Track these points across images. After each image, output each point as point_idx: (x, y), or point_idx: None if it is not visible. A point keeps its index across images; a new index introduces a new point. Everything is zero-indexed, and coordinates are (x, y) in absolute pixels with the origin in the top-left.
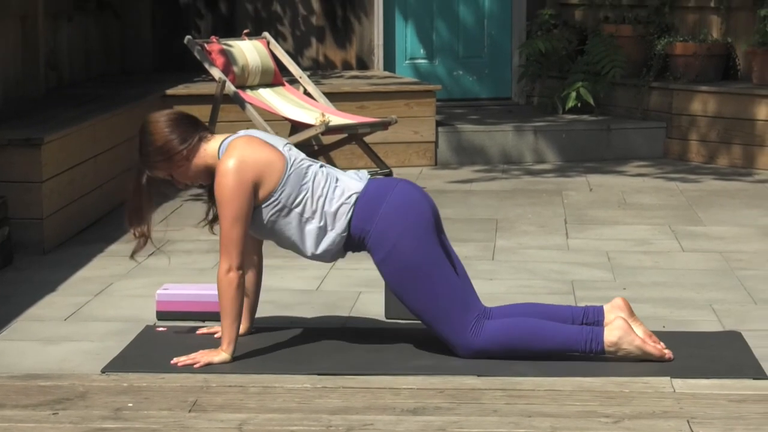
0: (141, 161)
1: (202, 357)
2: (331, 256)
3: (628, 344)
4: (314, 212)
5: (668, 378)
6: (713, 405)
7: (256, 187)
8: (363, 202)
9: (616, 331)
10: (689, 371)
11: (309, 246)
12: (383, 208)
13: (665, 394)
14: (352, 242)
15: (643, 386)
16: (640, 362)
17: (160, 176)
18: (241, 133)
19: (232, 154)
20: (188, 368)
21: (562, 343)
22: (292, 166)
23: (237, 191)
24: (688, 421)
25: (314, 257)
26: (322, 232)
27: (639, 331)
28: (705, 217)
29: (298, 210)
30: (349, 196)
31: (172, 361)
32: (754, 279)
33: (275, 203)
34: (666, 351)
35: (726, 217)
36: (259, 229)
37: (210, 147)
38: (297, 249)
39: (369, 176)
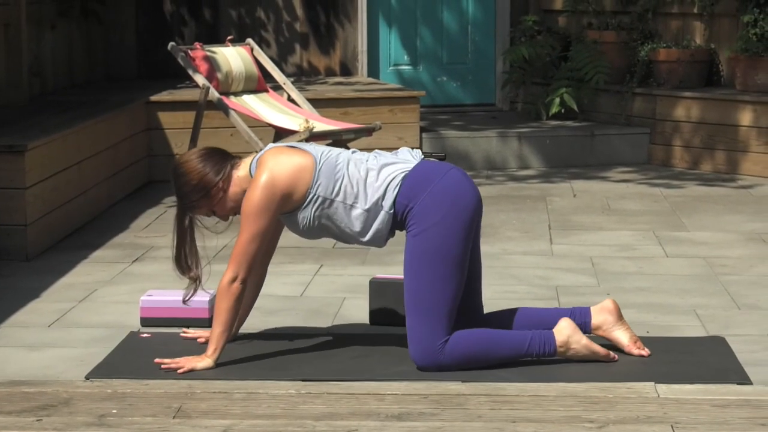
0: (180, 204)
1: (186, 362)
2: (382, 237)
3: (576, 343)
4: (356, 196)
5: (652, 383)
6: (697, 410)
7: (288, 196)
8: (412, 180)
9: (564, 330)
10: (673, 376)
11: (360, 230)
12: (432, 187)
13: (649, 399)
14: (396, 221)
15: (627, 391)
16: (624, 367)
17: (201, 215)
18: (269, 146)
19: (263, 170)
20: (172, 374)
21: (516, 350)
22: (321, 159)
23: (264, 208)
24: (672, 426)
25: (368, 242)
26: (371, 213)
27: (625, 336)
28: (689, 222)
29: (339, 198)
30: (396, 175)
31: (156, 360)
32: (738, 284)
33: (314, 199)
34: (643, 351)
35: (710, 222)
36: (308, 230)
37: (242, 171)
38: (349, 238)
39: (422, 156)
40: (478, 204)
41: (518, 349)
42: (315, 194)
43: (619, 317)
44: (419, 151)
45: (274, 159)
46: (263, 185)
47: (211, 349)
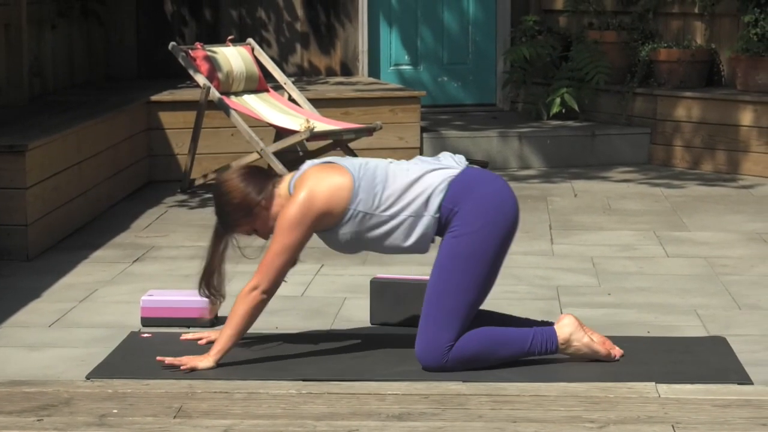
0: (221, 224)
1: (188, 361)
2: (427, 241)
3: (577, 341)
4: (399, 205)
5: (653, 383)
6: (698, 410)
7: (325, 215)
8: (458, 185)
9: (566, 328)
10: (674, 376)
11: (404, 237)
12: (478, 194)
13: (650, 399)
14: (440, 225)
15: (627, 391)
16: (625, 367)
17: (242, 234)
18: (306, 164)
19: (303, 187)
20: (173, 374)
21: (519, 349)
22: (359, 174)
23: (298, 223)
24: (673, 426)
25: (411, 247)
26: (415, 219)
27: (594, 337)
28: (689, 222)
29: (380, 210)
30: (442, 180)
31: (158, 358)
32: (739, 284)
33: (355, 215)
34: (614, 350)
35: (710, 222)
36: (348, 246)
37: (281, 189)
38: (393, 248)
39: (466, 163)
40: (517, 215)
41: (521, 348)
42: (355, 210)
43: (581, 325)
44: (462, 157)
45: (314, 177)
46: (301, 201)
47: (215, 349)
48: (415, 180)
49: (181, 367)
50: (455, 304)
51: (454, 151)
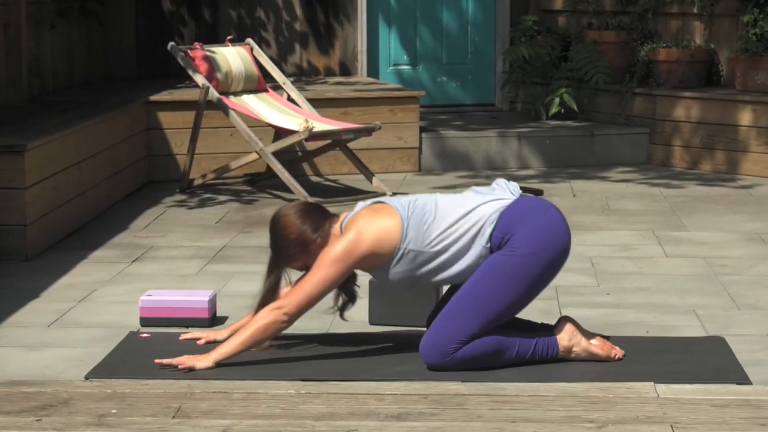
0: (276, 257)
1: (186, 360)
2: (477, 268)
3: (577, 346)
4: (450, 239)
5: (652, 383)
6: (697, 410)
7: (370, 257)
8: (510, 215)
9: (565, 335)
10: (673, 376)
11: (455, 270)
12: (531, 223)
13: (649, 399)
14: (491, 252)
15: (626, 391)
16: (624, 367)
17: (295, 268)
18: (358, 206)
19: (353, 227)
20: (172, 374)
21: (520, 356)
22: (408, 214)
23: (340, 259)
24: (671, 426)
25: (461, 277)
26: (465, 250)
27: (594, 341)
28: (688, 222)
29: (431, 246)
30: (494, 210)
31: (156, 361)
32: (738, 284)
33: (406, 253)
34: (614, 351)
35: (709, 222)
36: (405, 282)
37: (335, 228)
38: (445, 280)
39: (521, 192)
40: (568, 246)
41: (522, 355)
42: (405, 249)
43: (581, 330)
44: (516, 185)
45: (364, 219)
46: (347, 240)
47: (219, 351)
48: (467, 213)
49: (179, 367)
50: (478, 314)
51: (454, 152)
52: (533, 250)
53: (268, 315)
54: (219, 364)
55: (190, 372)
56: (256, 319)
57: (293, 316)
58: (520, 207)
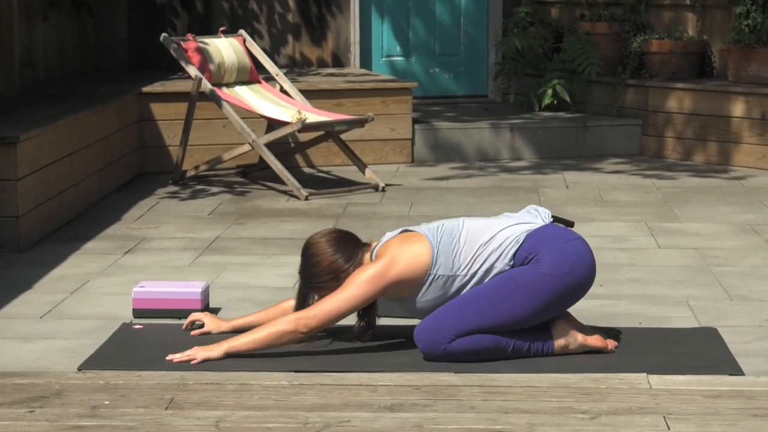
0: (306, 283)
1: (197, 353)
2: None
3: (573, 343)
4: (479, 263)
5: (644, 374)
6: (689, 401)
7: (399, 283)
8: (535, 238)
9: (561, 339)
10: (665, 367)
11: (476, 285)
12: (557, 247)
13: (641, 390)
14: (515, 266)
15: (619, 382)
16: (616, 358)
17: (323, 295)
18: (387, 235)
19: (386, 253)
20: (164, 365)
21: (515, 356)
22: (437, 240)
23: (370, 282)
24: (664, 417)
25: None
26: (489, 270)
27: (589, 338)
28: (681, 213)
29: (461, 270)
30: (520, 233)
31: (167, 358)
32: (730, 275)
33: (436, 278)
34: (609, 341)
35: (702, 213)
36: (428, 309)
37: (366, 257)
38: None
39: (551, 219)
40: (591, 280)
41: (517, 355)
42: (435, 275)
43: (575, 325)
44: (548, 212)
45: (396, 247)
46: (380, 264)
47: (231, 344)
48: (494, 235)
49: (192, 362)
50: (484, 317)
51: (447, 144)
52: (557, 273)
53: (290, 323)
54: (229, 356)
55: (188, 363)
56: (277, 323)
57: (313, 330)
58: (547, 232)
